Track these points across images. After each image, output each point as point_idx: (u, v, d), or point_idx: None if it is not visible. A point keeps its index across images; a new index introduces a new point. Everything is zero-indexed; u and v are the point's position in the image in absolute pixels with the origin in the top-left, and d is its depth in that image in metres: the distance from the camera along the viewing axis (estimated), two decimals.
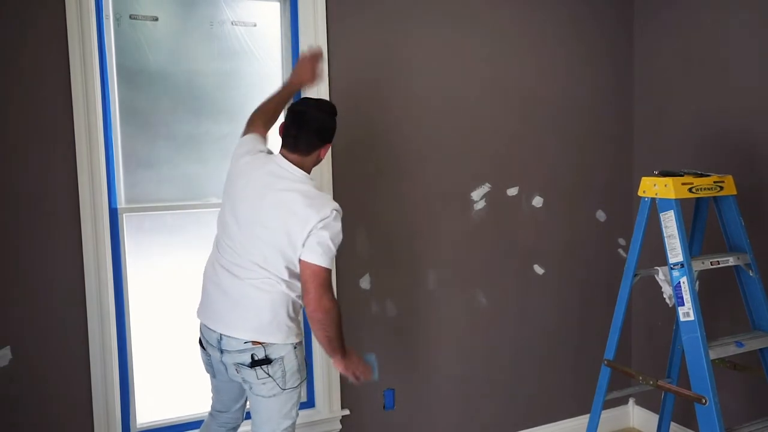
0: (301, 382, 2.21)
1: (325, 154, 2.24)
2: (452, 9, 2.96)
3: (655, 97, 3.29)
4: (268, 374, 2.12)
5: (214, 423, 2.38)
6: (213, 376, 2.30)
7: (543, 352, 3.31)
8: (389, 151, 2.89)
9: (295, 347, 2.16)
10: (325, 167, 2.75)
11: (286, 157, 2.16)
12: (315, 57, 2.47)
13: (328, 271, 2.08)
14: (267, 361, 2.10)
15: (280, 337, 2.11)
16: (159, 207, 2.63)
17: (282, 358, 2.12)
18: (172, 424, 2.67)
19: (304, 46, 2.70)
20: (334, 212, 2.10)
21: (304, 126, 2.15)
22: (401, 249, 2.95)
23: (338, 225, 2.11)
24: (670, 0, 3.17)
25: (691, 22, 3.06)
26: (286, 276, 2.10)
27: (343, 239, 2.13)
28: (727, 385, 2.89)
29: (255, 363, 2.10)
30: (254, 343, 2.09)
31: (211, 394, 2.38)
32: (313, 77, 2.47)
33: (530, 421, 3.32)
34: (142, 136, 2.58)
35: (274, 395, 2.14)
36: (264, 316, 2.10)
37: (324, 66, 2.62)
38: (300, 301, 2.16)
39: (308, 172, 2.19)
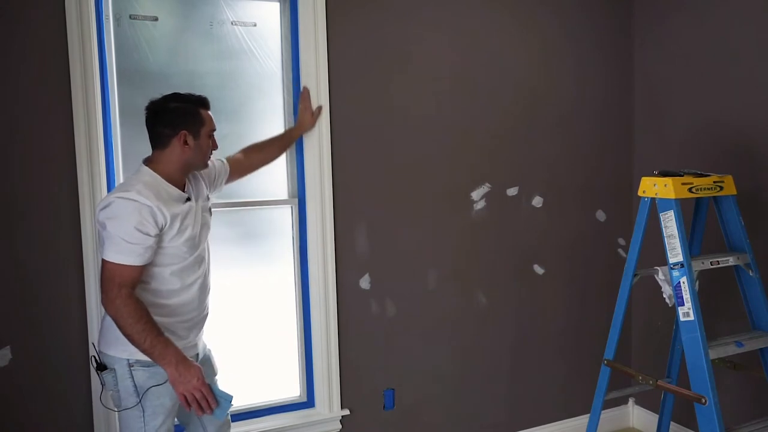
0: (148, 409, 2.01)
1: (184, 140, 2.05)
2: (453, 10, 2.96)
3: (655, 97, 3.29)
4: (103, 383, 2.05)
5: None
6: None
7: (543, 352, 3.31)
8: (389, 151, 2.89)
9: (131, 365, 2.00)
10: (325, 167, 2.76)
11: (147, 160, 2.10)
12: (311, 106, 2.70)
13: (116, 265, 1.92)
14: (103, 367, 2.03)
15: (111, 349, 2.01)
16: None
17: (115, 370, 2.02)
18: None
19: (304, 47, 2.71)
20: (117, 199, 1.93)
21: (148, 120, 2.10)
22: (401, 249, 2.95)
23: (124, 211, 1.92)
24: (670, 0, 3.17)
25: (691, 22, 3.06)
26: None
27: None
28: (727, 385, 2.89)
29: (97, 367, 2.04)
30: (95, 348, 2.09)
31: None
32: (313, 123, 2.72)
33: (530, 421, 3.32)
34: (142, 136, 2.56)
35: (117, 411, 2.05)
36: (104, 321, 2.06)
37: (324, 105, 2.76)
38: (156, 310, 2.01)
39: (176, 164, 2.07)
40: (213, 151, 2.19)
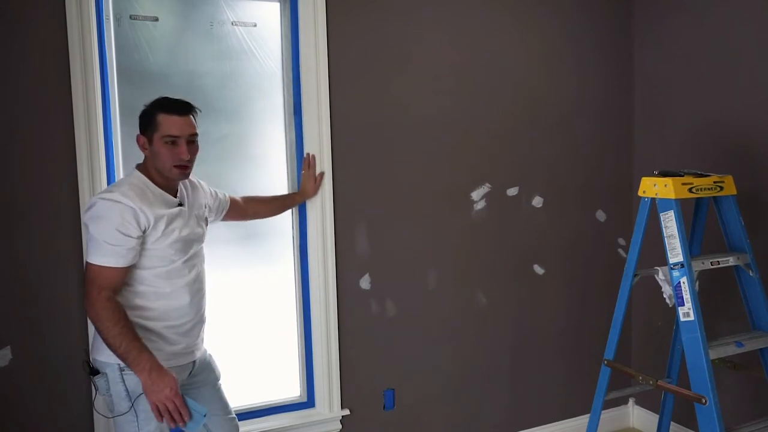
0: (141, 414, 1.97)
1: (142, 144, 2.07)
2: (453, 10, 2.96)
3: (655, 97, 3.29)
4: (96, 387, 2.04)
5: None
6: None
7: (543, 352, 3.31)
8: (389, 151, 2.89)
9: (122, 369, 1.97)
10: (325, 167, 2.76)
11: (138, 164, 2.12)
12: (315, 173, 2.73)
13: (99, 267, 1.91)
14: (95, 371, 2.02)
15: (102, 354, 1.99)
16: None
17: (106, 375, 2.00)
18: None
19: (304, 46, 2.71)
20: (100, 201, 1.94)
21: None
22: (401, 249, 2.95)
23: (106, 212, 1.91)
24: (670, 0, 3.17)
25: (691, 22, 3.06)
26: None
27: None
28: (727, 385, 2.89)
29: (90, 372, 2.03)
30: (89, 353, 2.08)
31: None
32: (316, 190, 2.75)
33: (530, 421, 3.32)
34: None
35: (111, 417, 2.03)
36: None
37: (326, 174, 2.78)
38: (142, 313, 2.01)
39: (152, 168, 2.06)
40: (184, 159, 2.04)
